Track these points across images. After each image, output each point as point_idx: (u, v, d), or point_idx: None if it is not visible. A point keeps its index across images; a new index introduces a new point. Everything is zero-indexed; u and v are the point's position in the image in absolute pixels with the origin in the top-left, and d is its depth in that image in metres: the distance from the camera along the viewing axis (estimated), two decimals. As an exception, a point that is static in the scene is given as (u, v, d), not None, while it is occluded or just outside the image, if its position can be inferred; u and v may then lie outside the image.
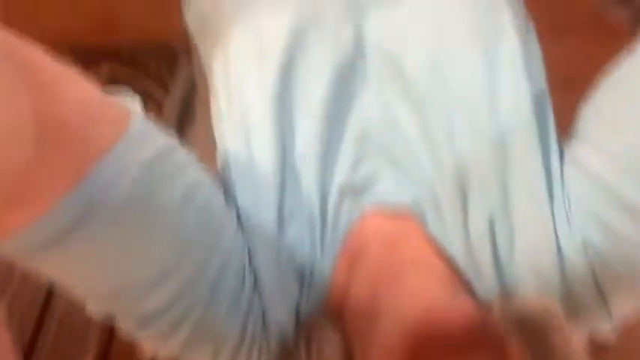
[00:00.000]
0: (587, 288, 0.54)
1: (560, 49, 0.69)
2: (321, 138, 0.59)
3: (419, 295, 0.54)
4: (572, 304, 0.56)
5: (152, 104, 1.33)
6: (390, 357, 0.50)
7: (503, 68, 0.58)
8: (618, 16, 1.04)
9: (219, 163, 0.60)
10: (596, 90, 0.57)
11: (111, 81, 1.37)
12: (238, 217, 0.56)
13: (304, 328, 0.56)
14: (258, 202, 0.56)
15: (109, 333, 1.08)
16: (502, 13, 0.61)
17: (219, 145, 0.61)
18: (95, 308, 0.50)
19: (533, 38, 0.63)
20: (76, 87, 0.44)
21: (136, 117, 0.47)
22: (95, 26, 1.47)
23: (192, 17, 0.81)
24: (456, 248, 0.57)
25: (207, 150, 0.61)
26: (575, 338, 0.54)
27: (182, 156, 0.51)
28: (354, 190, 0.59)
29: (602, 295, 0.54)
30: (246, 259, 0.55)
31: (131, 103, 0.50)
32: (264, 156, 0.57)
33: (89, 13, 1.47)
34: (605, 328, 0.59)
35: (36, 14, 1.31)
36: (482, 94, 0.58)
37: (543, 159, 0.56)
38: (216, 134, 0.62)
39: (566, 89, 0.62)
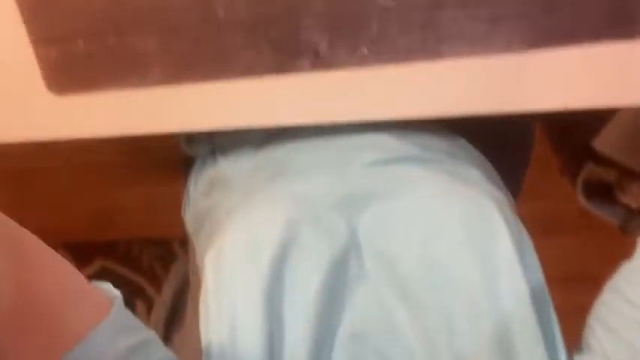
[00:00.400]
0: None
1: (552, 248, 0.69)
2: (312, 338, 0.56)
3: None
4: None
5: (142, 300, 1.32)
6: None
7: (500, 266, 0.58)
8: (608, 215, 1.07)
9: (203, 364, 0.57)
10: (597, 298, 0.56)
11: (102, 276, 1.36)
12: None
13: None
14: None
15: None
16: (493, 214, 0.62)
17: (204, 345, 0.58)
18: None
19: (525, 235, 0.63)
20: (57, 271, 0.44)
21: (116, 307, 0.46)
22: (93, 221, 1.50)
23: (190, 215, 0.83)
24: None
25: (193, 352, 0.59)
26: None
27: (159, 353, 0.49)
28: None
29: None
30: None
31: (114, 293, 0.48)
32: (250, 357, 0.55)
33: (88, 208, 1.51)
34: None
35: (33, 209, 1.34)
36: (480, 294, 0.57)
37: None
38: (202, 333, 0.60)
39: (562, 288, 0.62)
